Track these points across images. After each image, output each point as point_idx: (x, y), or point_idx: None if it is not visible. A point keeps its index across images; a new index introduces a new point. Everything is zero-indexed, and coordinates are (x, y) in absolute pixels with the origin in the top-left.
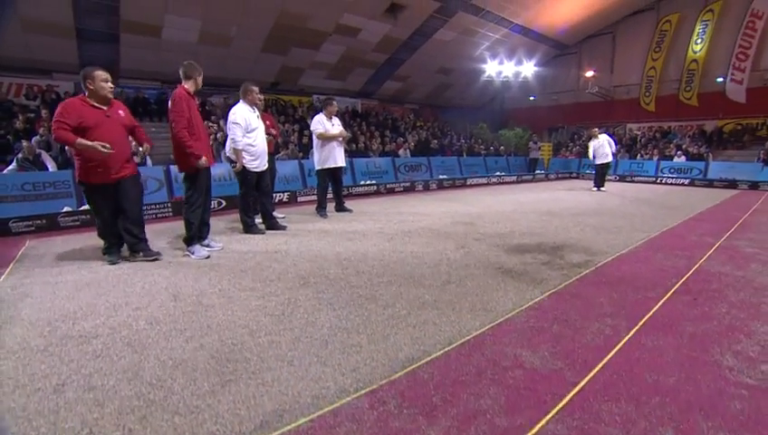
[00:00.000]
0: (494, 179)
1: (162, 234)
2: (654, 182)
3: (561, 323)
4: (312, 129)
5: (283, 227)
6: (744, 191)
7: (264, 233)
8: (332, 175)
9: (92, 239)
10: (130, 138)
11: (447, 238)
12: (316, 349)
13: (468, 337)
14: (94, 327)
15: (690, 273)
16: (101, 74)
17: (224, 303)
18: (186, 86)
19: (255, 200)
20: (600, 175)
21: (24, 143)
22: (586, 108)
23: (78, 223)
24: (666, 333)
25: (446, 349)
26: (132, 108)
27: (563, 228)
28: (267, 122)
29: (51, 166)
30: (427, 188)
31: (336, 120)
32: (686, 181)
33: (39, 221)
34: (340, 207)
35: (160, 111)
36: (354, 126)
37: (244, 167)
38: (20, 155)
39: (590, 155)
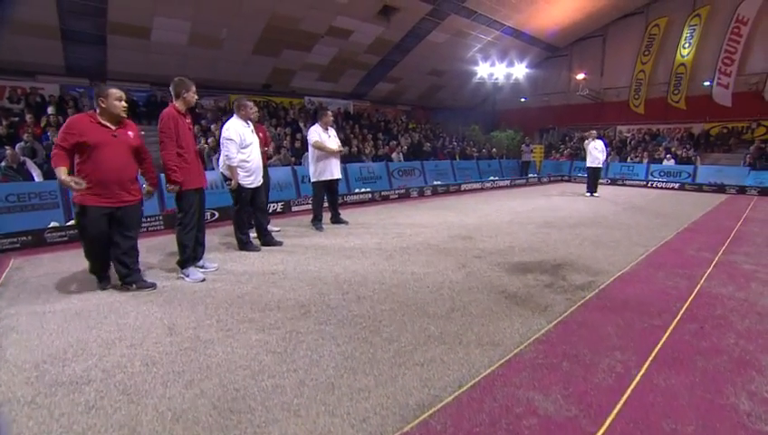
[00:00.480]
0: (488, 184)
1: (154, 250)
2: (645, 185)
3: (570, 358)
4: (308, 139)
5: (279, 243)
6: (732, 196)
7: (259, 250)
8: (328, 186)
9: (81, 257)
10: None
11: (447, 256)
12: (323, 395)
13: (478, 378)
14: (86, 370)
15: (693, 296)
16: (116, 93)
17: (222, 337)
18: (176, 104)
19: (250, 216)
20: (593, 179)
21: (8, 151)
22: (577, 109)
23: (66, 238)
24: (677, 370)
25: (457, 393)
26: None
27: (563, 242)
28: (261, 134)
29: (36, 175)
30: (421, 195)
31: (332, 131)
32: (677, 185)
33: (24, 238)
34: (336, 219)
35: (150, 113)
36: (347, 129)
37: (239, 188)
38: (3, 163)
39: (588, 153)
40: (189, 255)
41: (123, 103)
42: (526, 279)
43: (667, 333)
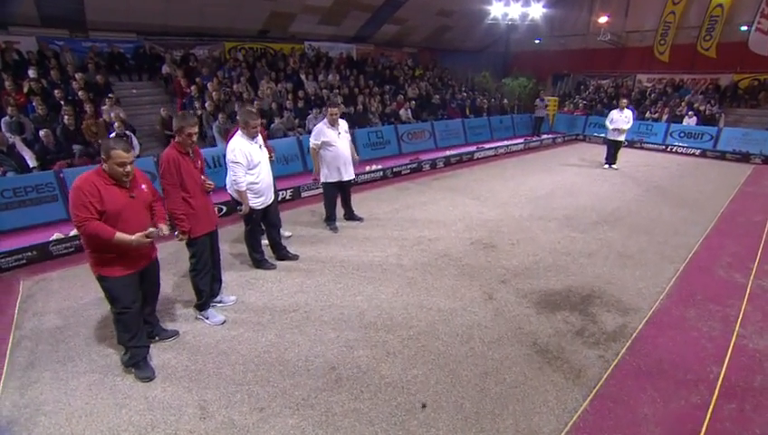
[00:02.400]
0: (502, 150)
1: (164, 263)
2: (664, 150)
3: None
4: (310, 141)
5: (295, 257)
6: (757, 167)
7: (275, 267)
8: (340, 186)
9: (89, 277)
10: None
11: (472, 279)
12: None
13: None
14: None
15: (729, 355)
16: (118, 156)
17: (257, 422)
18: (177, 140)
19: (262, 231)
20: (614, 150)
21: None
22: (595, 54)
23: (72, 250)
24: None
25: None
26: (108, 66)
27: (588, 257)
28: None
29: (29, 157)
30: (434, 167)
31: (343, 125)
32: (698, 152)
33: (29, 253)
34: (350, 216)
35: (139, 66)
36: (350, 80)
37: (251, 208)
38: None
39: (608, 123)
40: (207, 299)
41: (127, 169)
42: (556, 321)
43: (707, 418)
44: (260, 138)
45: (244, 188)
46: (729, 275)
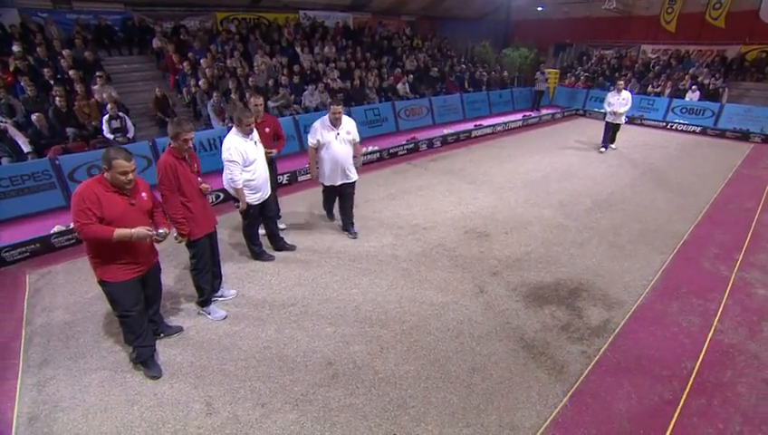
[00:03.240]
0: (500, 127)
1: (163, 254)
2: (664, 127)
3: None
4: (308, 140)
5: (292, 248)
6: (756, 146)
7: (273, 258)
8: (339, 191)
9: (90, 269)
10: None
11: (464, 271)
12: None
13: None
14: None
15: (704, 351)
16: (121, 166)
17: (260, 417)
18: (173, 145)
19: (260, 224)
20: (612, 133)
21: None
22: (599, 24)
23: (73, 241)
24: None
25: None
26: (96, 39)
27: (579, 247)
28: (267, 129)
29: (22, 142)
30: (431, 147)
31: (346, 125)
32: (698, 129)
33: (33, 246)
34: (345, 226)
35: (129, 39)
36: (347, 52)
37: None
38: None
39: (606, 105)
40: (208, 296)
41: (129, 177)
42: (543, 315)
43: (676, 413)
44: (255, 134)
45: (240, 186)
46: (714, 266)
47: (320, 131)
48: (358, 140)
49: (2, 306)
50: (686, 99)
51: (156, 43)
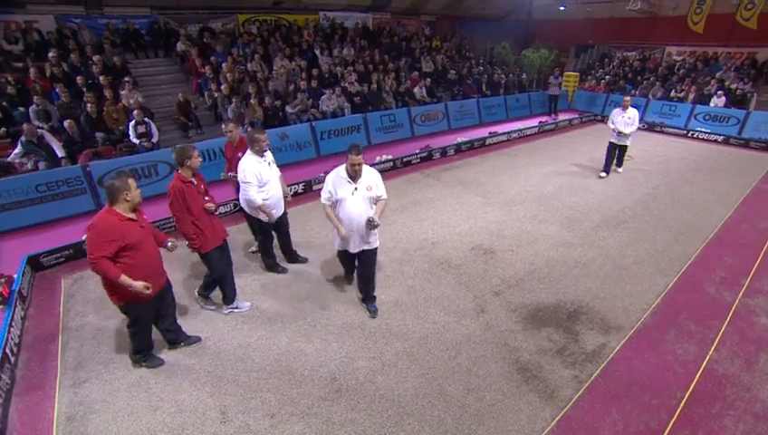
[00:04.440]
0: (515, 135)
1: (175, 263)
2: (685, 135)
3: None
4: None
5: (305, 260)
6: None
7: (286, 271)
8: (356, 255)
9: None
10: None
11: (467, 290)
12: None
13: None
14: None
15: (696, 379)
16: (134, 182)
17: (268, 427)
18: (181, 173)
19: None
20: (614, 155)
21: (25, 126)
22: (623, 24)
23: None
24: None
25: None
26: (124, 43)
27: (583, 268)
28: (240, 154)
29: (57, 147)
30: (444, 155)
31: (366, 178)
32: (720, 138)
33: (67, 251)
34: (365, 300)
35: (155, 42)
36: (366, 55)
37: (259, 219)
38: (23, 138)
39: (610, 123)
40: (232, 294)
41: (139, 191)
42: (540, 338)
43: None
44: (269, 154)
45: (259, 203)
46: (718, 292)
47: (332, 183)
48: (383, 196)
49: (42, 310)
50: (711, 105)
51: (180, 46)
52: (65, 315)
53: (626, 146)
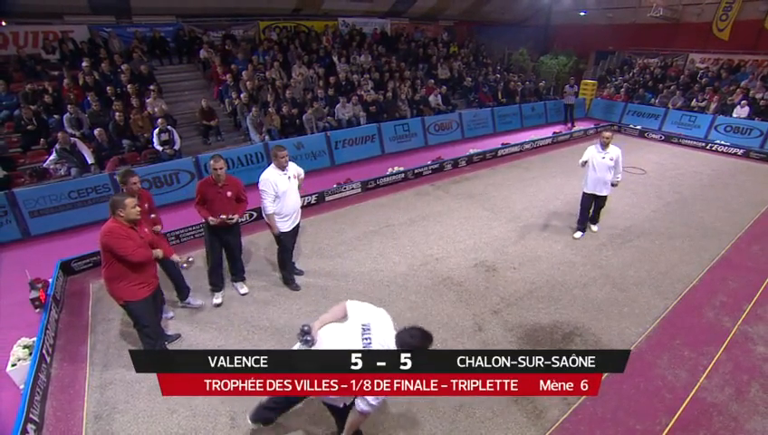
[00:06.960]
0: (528, 146)
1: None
2: (703, 148)
3: None
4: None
5: (300, 273)
6: None
7: (299, 289)
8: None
9: None
10: None
11: (467, 306)
12: None
13: None
14: None
15: (683, 407)
16: (131, 202)
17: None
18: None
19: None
20: (589, 209)
21: (60, 134)
22: (644, 31)
23: None
24: None
25: None
26: (150, 50)
27: (583, 285)
28: (229, 193)
29: (87, 154)
30: (456, 166)
31: (292, 168)
32: (740, 152)
33: (95, 257)
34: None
35: (179, 49)
36: (383, 65)
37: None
38: (58, 146)
39: (580, 162)
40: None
41: (138, 208)
42: None
43: None
44: (291, 166)
45: (269, 212)
46: (717, 317)
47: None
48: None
49: (73, 313)
50: (734, 115)
51: (202, 53)
52: (93, 319)
53: (605, 197)
